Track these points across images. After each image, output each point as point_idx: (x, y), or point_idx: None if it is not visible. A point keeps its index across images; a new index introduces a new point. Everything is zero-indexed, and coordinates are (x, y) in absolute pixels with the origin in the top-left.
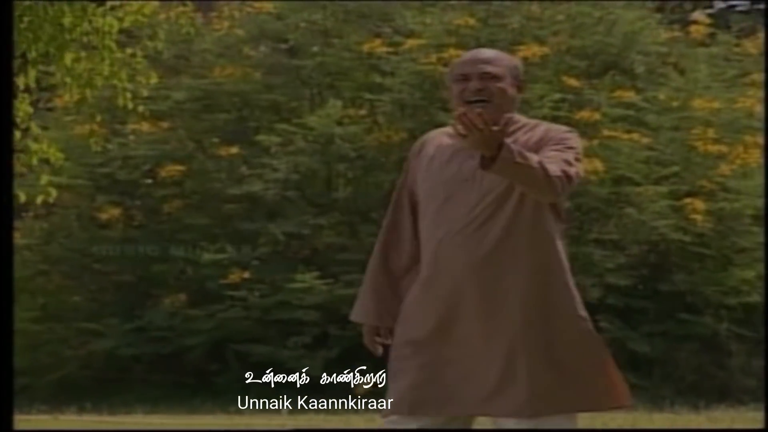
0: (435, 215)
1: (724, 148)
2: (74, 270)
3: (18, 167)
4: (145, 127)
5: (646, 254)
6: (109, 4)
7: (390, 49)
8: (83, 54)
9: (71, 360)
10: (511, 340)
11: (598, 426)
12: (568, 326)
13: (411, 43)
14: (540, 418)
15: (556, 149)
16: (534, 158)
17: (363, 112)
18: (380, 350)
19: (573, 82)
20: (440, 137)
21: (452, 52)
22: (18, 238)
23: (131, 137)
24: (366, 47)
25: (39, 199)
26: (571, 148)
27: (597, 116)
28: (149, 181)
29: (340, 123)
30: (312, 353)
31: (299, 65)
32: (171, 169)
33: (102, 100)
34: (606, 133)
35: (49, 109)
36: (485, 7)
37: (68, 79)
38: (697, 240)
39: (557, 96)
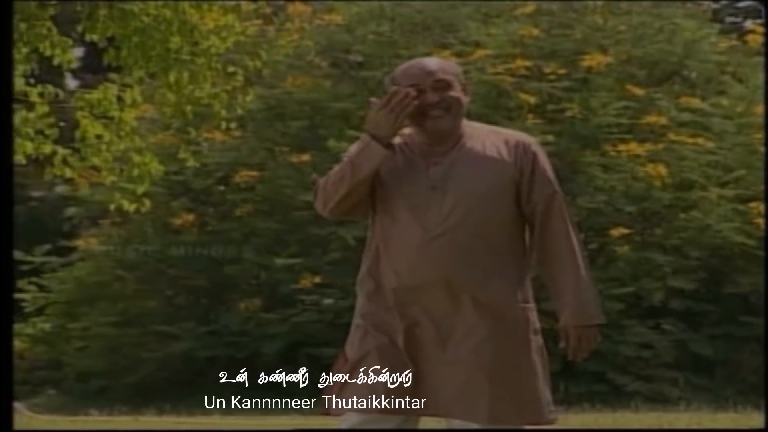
0: (407, 222)
1: None
2: (150, 275)
3: (118, 177)
4: (218, 135)
5: (708, 258)
6: (212, 24)
7: (457, 60)
8: (185, 72)
9: (149, 362)
10: (476, 347)
11: (665, 426)
12: (525, 338)
13: (478, 53)
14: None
15: (549, 195)
16: (588, 286)
17: None
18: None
19: (635, 89)
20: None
21: (519, 62)
22: (96, 245)
23: (204, 145)
24: None
25: (132, 207)
26: (548, 171)
27: (663, 121)
28: (222, 187)
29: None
30: None
31: (367, 75)
32: (243, 176)
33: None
34: (672, 137)
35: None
36: (549, 19)
37: (170, 95)
38: (759, 243)
39: (621, 103)
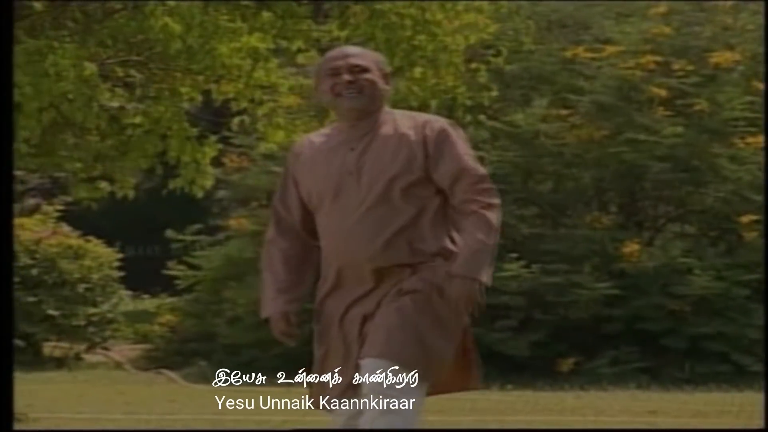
0: (329, 210)
1: None
2: None
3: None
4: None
5: None
6: (455, 23)
7: (591, 55)
8: (430, 68)
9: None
10: (399, 307)
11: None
12: (442, 309)
13: (610, 49)
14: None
15: (455, 171)
16: (482, 249)
17: (565, 112)
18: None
19: (761, 85)
20: (312, 140)
21: (649, 57)
22: (248, 225)
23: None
24: (568, 53)
25: None
26: (456, 148)
27: None
28: None
29: (543, 121)
30: (517, 335)
31: (506, 69)
32: None
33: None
34: None
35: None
36: (680, 18)
37: (416, 89)
38: None
39: (747, 98)
